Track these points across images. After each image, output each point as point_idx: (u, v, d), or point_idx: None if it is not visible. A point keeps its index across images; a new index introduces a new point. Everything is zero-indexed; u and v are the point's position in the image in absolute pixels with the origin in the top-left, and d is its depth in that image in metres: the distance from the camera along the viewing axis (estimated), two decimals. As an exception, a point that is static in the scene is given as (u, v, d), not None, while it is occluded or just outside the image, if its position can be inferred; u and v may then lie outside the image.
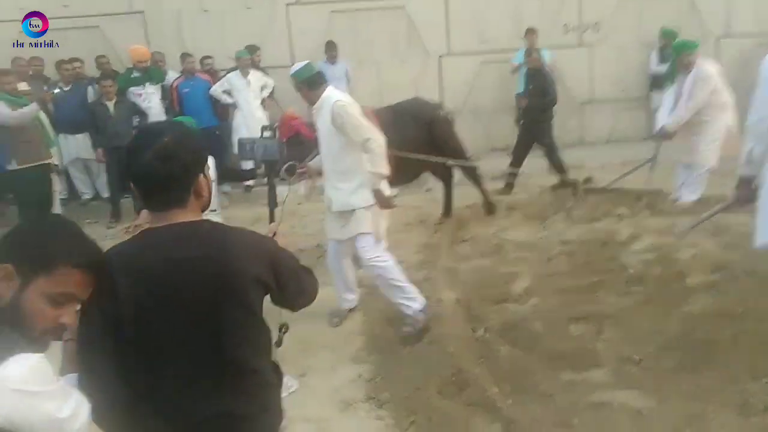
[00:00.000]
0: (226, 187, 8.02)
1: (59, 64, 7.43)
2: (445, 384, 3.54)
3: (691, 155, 6.04)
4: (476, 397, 3.40)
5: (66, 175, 7.69)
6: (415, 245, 5.60)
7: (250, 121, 7.84)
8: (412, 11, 9.19)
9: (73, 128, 7.23)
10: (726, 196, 4.20)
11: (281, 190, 2.83)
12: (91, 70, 7.82)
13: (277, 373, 1.84)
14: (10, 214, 6.91)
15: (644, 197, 6.19)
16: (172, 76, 7.89)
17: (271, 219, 2.42)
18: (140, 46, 7.75)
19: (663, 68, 8.60)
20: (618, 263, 4.70)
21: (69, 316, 1.41)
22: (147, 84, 7.54)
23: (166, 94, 7.81)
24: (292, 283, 1.77)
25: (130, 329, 1.54)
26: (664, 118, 6.16)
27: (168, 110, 7.82)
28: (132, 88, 7.46)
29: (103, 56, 7.88)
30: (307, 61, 4.08)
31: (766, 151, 3.44)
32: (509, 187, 7.32)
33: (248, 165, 7.51)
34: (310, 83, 4.00)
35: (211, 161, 4.07)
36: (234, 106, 7.87)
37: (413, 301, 4.11)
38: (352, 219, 4.05)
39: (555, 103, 7.32)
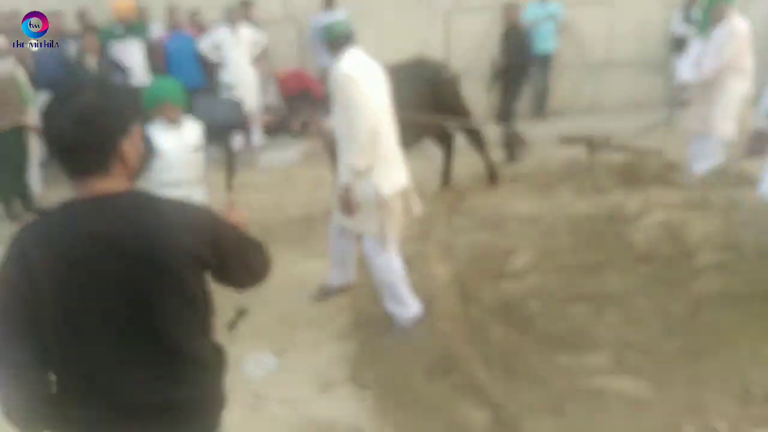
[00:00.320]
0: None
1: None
2: (432, 365, 3.51)
3: (703, 124, 5.89)
4: (464, 381, 3.37)
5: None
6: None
7: (240, 80, 7.70)
8: (417, -38, 8.95)
9: (54, 86, 7.10)
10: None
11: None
12: (72, 25, 7.66)
13: (219, 355, 1.76)
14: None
15: (654, 166, 6.05)
16: (156, 30, 7.72)
17: (228, 186, 2.33)
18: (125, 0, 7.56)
19: (686, 29, 8.40)
20: (624, 240, 4.63)
21: None
22: (130, 39, 7.39)
23: (152, 50, 7.66)
24: (236, 261, 1.70)
25: (50, 313, 1.49)
26: (685, 70, 6.00)
27: (154, 67, 7.68)
28: (114, 44, 7.32)
29: (86, 11, 7.72)
30: (344, 16, 3.82)
31: None
32: (511, 154, 7.15)
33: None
34: (332, 43, 3.69)
35: (199, 127, 4.00)
36: (221, 64, 7.70)
37: (406, 309, 3.86)
38: (358, 210, 3.74)
39: (531, 64, 7.16)
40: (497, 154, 6.84)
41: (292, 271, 4.49)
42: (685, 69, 5.98)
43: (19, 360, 1.49)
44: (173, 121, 3.86)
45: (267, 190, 6.63)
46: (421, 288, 4.40)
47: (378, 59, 7.27)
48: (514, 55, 6.96)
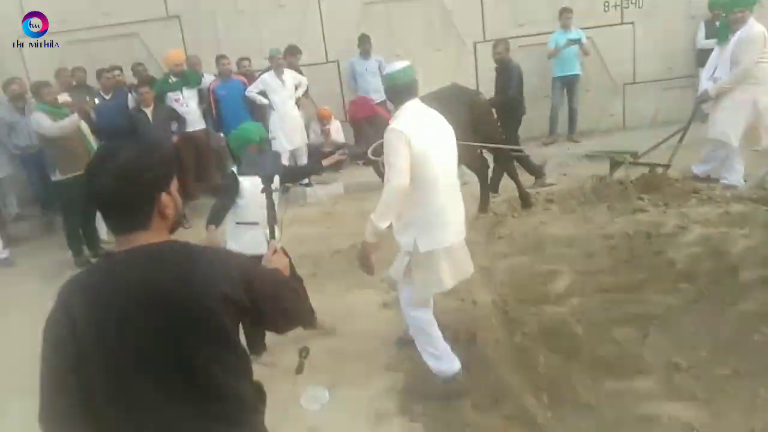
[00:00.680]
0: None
1: (100, 73, 7.43)
2: (481, 395, 3.33)
3: (711, 129, 5.64)
4: (513, 410, 3.18)
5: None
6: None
7: (286, 121, 7.73)
8: (445, -2, 8.87)
9: (114, 136, 7.21)
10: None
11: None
12: (131, 78, 7.81)
13: (259, 394, 1.71)
14: (56, 224, 7.02)
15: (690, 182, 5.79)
16: (208, 79, 7.81)
17: (272, 235, 2.26)
18: (174, 50, 7.68)
19: (711, 43, 8.07)
20: (664, 258, 4.37)
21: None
22: (184, 88, 7.48)
23: (204, 98, 7.75)
24: (272, 305, 1.64)
25: (92, 362, 1.45)
26: (705, 81, 5.85)
27: (206, 114, 7.76)
28: (169, 94, 7.42)
29: (140, 63, 7.86)
30: (405, 64, 3.32)
31: None
32: (538, 176, 6.84)
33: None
34: (392, 93, 3.33)
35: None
36: (270, 107, 7.74)
37: (441, 363, 3.43)
38: (396, 257, 3.42)
39: (517, 103, 6.68)
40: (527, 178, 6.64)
41: (339, 303, 4.37)
42: (705, 81, 5.80)
43: (65, 410, 1.47)
44: None
45: (313, 223, 6.56)
46: (463, 315, 4.24)
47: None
48: (506, 89, 6.63)
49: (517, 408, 3.18)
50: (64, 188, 5.92)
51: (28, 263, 6.45)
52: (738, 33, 5.55)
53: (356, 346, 4.06)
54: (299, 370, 2.67)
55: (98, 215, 6.36)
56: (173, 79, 7.48)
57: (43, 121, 5.81)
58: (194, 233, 6.91)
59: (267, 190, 2.41)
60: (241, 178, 3.79)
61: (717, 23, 7.58)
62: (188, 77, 7.55)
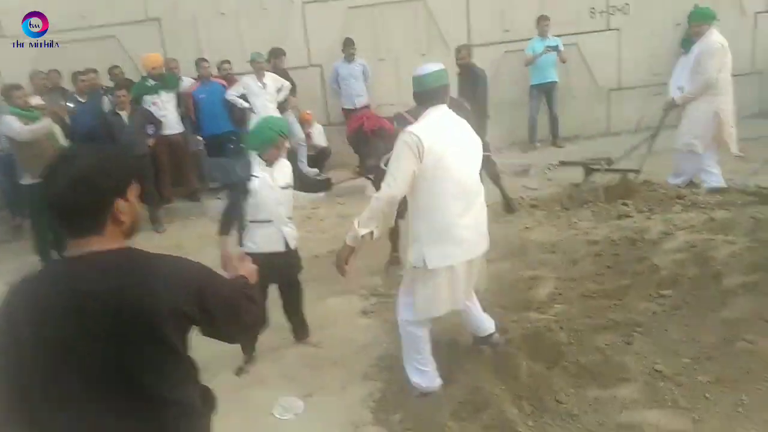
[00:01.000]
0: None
1: (75, 76, 7.34)
2: (460, 404, 3.28)
3: (677, 138, 5.99)
4: (494, 419, 3.13)
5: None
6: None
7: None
8: (430, 2, 8.87)
9: (89, 139, 7.08)
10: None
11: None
12: (108, 81, 7.72)
13: (208, 401, 1.73)
14: (25, 228, 6.90)
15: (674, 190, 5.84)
16: (187, 82, 7.74)
17: (240, 242, 2.23)
18: (152, 53, 7.61)
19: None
20: (648, 264, 4.34)
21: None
22: (162, 92, 7.41)
23: (182, 101, 7.68)
24: (224, 315, 1.64)
25: (34, 370, 1.46)
26: (672, 90, 6.10)
27: (184, 117, 7.69)
28: (147, 97, 7.34)
29: (116, 66, 7.78)
30: (438, 67, 3.16)
31: None
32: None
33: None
34: (419, 96, 3.17)
35: (289, 166, 3.91)
36: (250, 110, 7.68)
37: (420, 376, 3.38)
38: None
39: (485, 109, 6.68)
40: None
41: (318, 309, 4.31)
42: (672, 90, 6.07)
43: (3, 415, 1.49)
44: (275, 159, 3.80)
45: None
46: (445, 322, 4.18)
47: (396, 96, 7.14)
48: (476, 95, 6.60)
49: (498, 417, 3.12)
50: (34, 192, 5.80)
51: (-4, 267, 6.32)
52: (698, 44, 5.79)
53: (333, 353, 4.00)
54: (239, 372, 2.65)
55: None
56: (151, 82, 7.41)
57: (13, 125, 5.72)
58: (167, 237, 6.88)
59: (235, 197, 2.38)
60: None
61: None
62: (166, 80, 7.48)
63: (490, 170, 6.52)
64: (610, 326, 3.77)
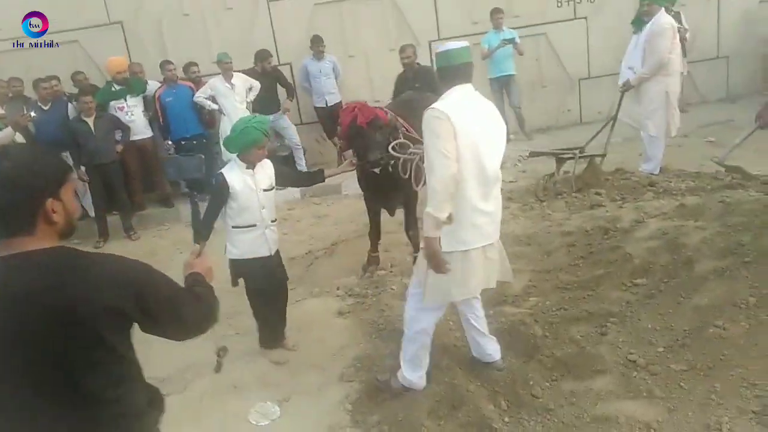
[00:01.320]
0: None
1: (36, 83, 7.13)
2: (437, 402, 3.26)
3: (632, 119, 6.22)
4: (471, 416, 3.13)
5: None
6: (410, 245, 5.26)
7: (236, 125, 7.54)
8: (398, -3, 8.84)
9: (55, 147, 6.94)
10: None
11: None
12: (71, 87, 7.55)
13: (153, 400, 1.75)
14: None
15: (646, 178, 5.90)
16: (153, 86, 7.59)
17: (196, 239, 2.21)
18: (116, 57, 7.45)
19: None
20: (621, 253, 4.36)
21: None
22: (128, 96, 7.27)
23: (150, 105, 7.54)
24: (165, 314, 1.65)
25: None
26: (623, 70, 6.30)
27: (152, 122, 7.56)
28: (113, 102, 7.20)
29: (80, 72, 7.60)
30: (463, 44, 3.07)
31: None
32: None
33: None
34: (443, 74, 3.07)
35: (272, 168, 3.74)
36: (220, 111, 7.57)
37: (413, 371, 3.32)
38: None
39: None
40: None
41: (293, 313, 4.25)
42: (624, 71, 6.32)
43: None
44: (259, 160, 3.69)
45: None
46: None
47: (367, 91, 7.05)
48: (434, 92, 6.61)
49: (474, 414, 3.13)
50: None
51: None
52: (648, 25, 5.95)
53: (310, 356, 3.96)
54: (218, 368, 2.62)
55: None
56: (116, 87, 7.26)
57: (-26, 135, 5.57)
58: (141, 245, 6.77)
59: (191, 195, 2.34)
60: (230, 181, 3.63)
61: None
62: (132, 85, 7.34)
63: None
64: (585, 317, 3.79)
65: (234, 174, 3.66)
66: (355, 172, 4.62)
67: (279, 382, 3.74)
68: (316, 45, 8.25)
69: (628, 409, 2.97)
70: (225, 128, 7.54)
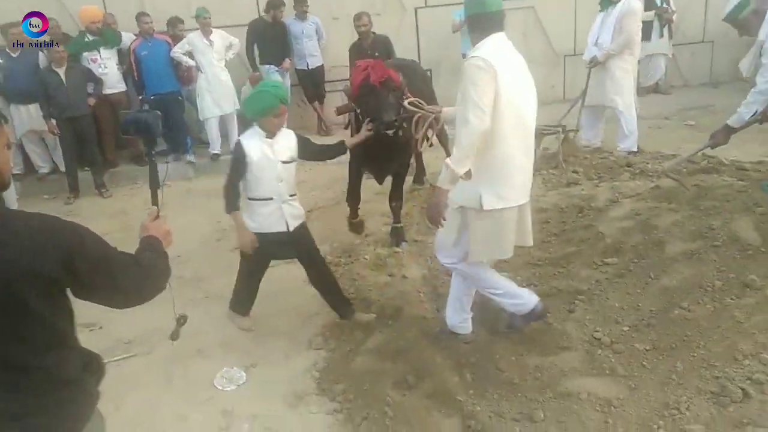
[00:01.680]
0: (191, 157, 7.63)
1: (5, 28, 6.85)
2: (402, 373, 3.29)
3: (597, 97, 6.36)
4: (435, 388, 3.16)
5: (21, 148, 7.26)
6: (385, 215, 5.25)
7: (214, 85, 7.40)
8: (386, -39, 8.65)
9: (25, 98, 6.74)
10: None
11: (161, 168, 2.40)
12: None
13: (90, 366, 1.68)
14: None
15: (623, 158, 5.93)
16: (128, 38, 7.37)
17: (154, 200, 2.12)
18: (90, 6, 7.20)
19: (650, 15, 8.18)
20: (595, 232, 4.40)
21: None
22: (101, 48, 7.06)
23: (124, 58, 7.33)
24: (99, 281, 1.57)
25: None
26: (590, 47, 6.45)
27: (126, 76, 7.36)
28: (85, 54, 6.99)
29: (52, 19, 7.32)
30: None
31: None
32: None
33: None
34: (473, 23, 2.95)
35: (293, 139, 3.61)
36: (197, 68, 7.39)
37: (459, 316, 3.49)
38: (447, 214, 3.01)
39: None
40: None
41: (263, 279, 4.22)
42: (591, 48, 6.42)
43: None
44: (277, 129, 3.50)
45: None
46: (392, 289, 4.19)
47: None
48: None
49: (440, 386, 3.15)
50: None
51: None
52: (619, 6, 6.12)
53: (278, 323, 3.96)
54: (174, 336, 2.59)
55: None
56: (90, 37, 7.04)
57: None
58: (112, 203, 6.66)
59: (149, 154, 2.26)
60: (247, 149, 3.44)
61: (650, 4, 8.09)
62: (107, 36, 7.14)
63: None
64: (554, 294, 3.83)
65: (253, 142, 3.46)
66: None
67: (246, 348, 3.73)
68: (300, 4, 8.07)
69: (590, 386, 3.02)
70: (201, 86, 7.41)
